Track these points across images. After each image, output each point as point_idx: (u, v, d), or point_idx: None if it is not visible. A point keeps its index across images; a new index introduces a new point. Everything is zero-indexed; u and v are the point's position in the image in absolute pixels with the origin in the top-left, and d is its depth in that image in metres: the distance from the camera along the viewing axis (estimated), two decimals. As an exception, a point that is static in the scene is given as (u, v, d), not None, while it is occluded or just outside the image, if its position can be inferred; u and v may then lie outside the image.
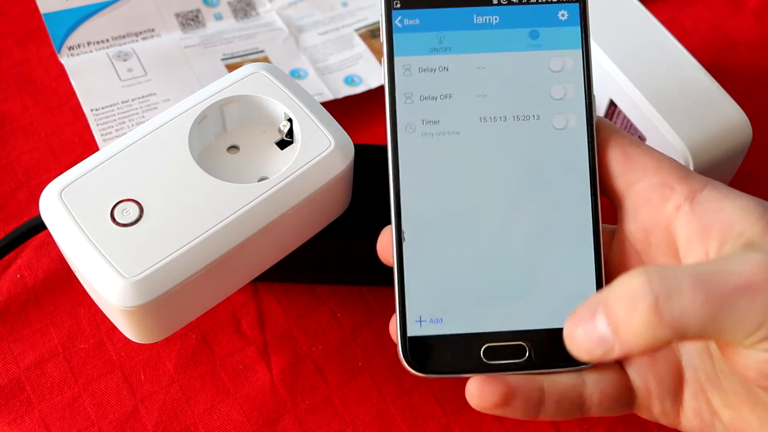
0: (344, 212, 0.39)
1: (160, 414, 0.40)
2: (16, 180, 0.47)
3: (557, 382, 0.29)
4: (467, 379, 0.28)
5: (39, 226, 0.40)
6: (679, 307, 0.24)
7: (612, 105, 0.43)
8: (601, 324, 0.25)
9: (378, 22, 0.54)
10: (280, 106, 0.36)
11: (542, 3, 0.30)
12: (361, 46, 0.53)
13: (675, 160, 0.31)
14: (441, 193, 0.30)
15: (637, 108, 0.41)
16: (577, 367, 0.29)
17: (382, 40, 0.30)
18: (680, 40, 0.44)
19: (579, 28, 0.30)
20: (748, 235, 0.27)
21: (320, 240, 0.38)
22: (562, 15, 0.30)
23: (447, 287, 0.29)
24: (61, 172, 0.35)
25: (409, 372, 0.29)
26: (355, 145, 0.36)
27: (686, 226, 0.29)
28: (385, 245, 0.31)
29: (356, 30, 0.54)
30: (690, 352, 0.30)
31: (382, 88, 0.51)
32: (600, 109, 0.44)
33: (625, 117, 0.43)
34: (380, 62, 0.52)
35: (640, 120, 0.41)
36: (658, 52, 0.43)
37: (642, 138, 0.42)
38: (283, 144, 0.37)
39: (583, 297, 0.27)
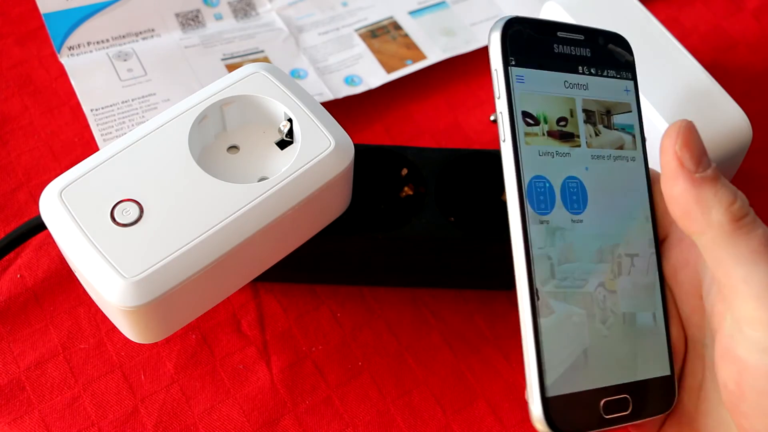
0: (344, 212, 0.39)
1: (160, 414, 0.40)
2: (16, 180, 0.47)
3: None
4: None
5: (39, 226, 0.40)
6: None
7: (612, 105, 0.43)
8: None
9: (378, 23, 0.54)
10: (280, 106, 0.36)
11: (613, 78, 0.34)
12: (361, 46, 0.53)
13: None
14: (563, 250, 0.31)
15: (637, 108, 0.41)
16: (661, 414, 0.31)
17: (498, 95, 0.31)
18: (680, 40, 0.44)
19: (636, 103, 0.34)
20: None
21: (320, 240, 0.38)
22: (627, 89, 0.34)
23: (570, 348, 0.31)
24: (61, 172, 0.35)
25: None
26: (355, 145, 0.36)
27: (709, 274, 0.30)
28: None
29: (356, 30, 0.54)
30: None
31: (382, 87, 0.51)
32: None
33: (625, 117, 0.43)
34: (380, 62, 0.52)
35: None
36: (658, 52, 0.43)
37: (642, 139, 0.42)
38: (283, 144, 0.37)
39: (659, 346, 0.31)
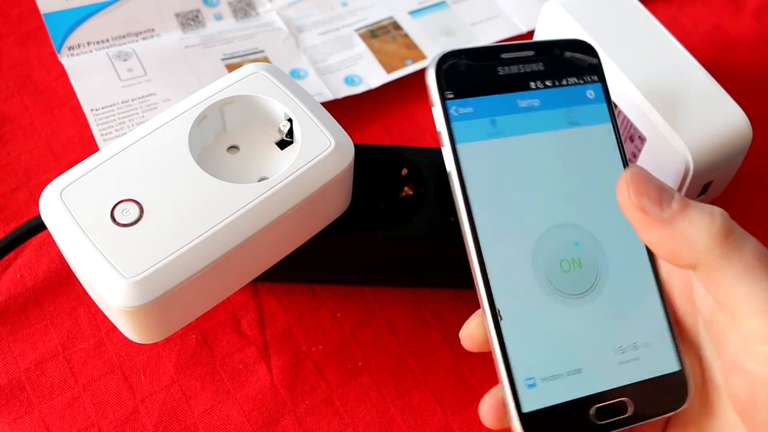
0: (344, 212, 0.39)
1: (160, 414, 0.40)
2: (16, 180, 0.47)
3: None
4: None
5: (39, 226, 0.40)
6: None
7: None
8: None
9: (378, 23, 0.54)
10: (280, 106, 0.36)
11: (572, 85, 0.33)
12: (361, 46, 0.53)
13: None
14: (523, 268, 0.31)
15: (637, 108, 0.41)
16: (673, 411, 0.31)
17: (440, 130, 0.32)
18: (680, 40, 0.44)
19: (605, 104, 0.33)
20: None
21: (320, 240, 0.38)
22: (590, 94, 0.33)
23: (546, 357, 0.30)
24: (61, 172, 0.35)
25: None
26: (355, 145, 0.36)
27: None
28: (473, 332, 0.31)
29: (356, 30, 0.54)
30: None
31: (382, 87, 0.51)
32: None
33: (625, 117, 0.43)
34: (380, 62, 0.52)
35: (641, 120, 0.41)
36: (658, 52, 0.43)
37: (642, 138, 0.42)
38: (283, 144, 0.37)
39: (660, 342, 0.31)
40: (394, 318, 0.43)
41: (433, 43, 0.53)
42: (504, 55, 0.32)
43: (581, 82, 0.33)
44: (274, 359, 0.41)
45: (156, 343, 0.41)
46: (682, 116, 0.40)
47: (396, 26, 0.54)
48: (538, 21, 0.47)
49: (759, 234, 0.47)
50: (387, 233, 0.39)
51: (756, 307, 0.26)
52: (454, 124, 0.31)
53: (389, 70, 0.51)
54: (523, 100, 0.32)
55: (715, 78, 0.42)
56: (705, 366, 0.31)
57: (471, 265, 0.31)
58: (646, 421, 0.30)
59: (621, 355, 0.31)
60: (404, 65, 0.52)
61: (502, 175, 0.31)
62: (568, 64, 0.33)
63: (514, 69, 0.32)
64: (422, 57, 0.52)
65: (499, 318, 0.30)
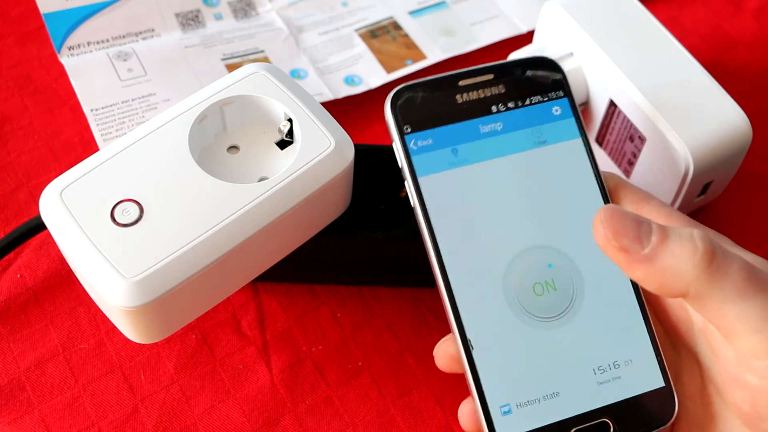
0: (344, 212, 0.39)
1: (160, 414, 0.40)
2: (16, 180, 0.47)
3: None
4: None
5: (39, 226, 0.40)
6: None
7: (612, 105, 0.43)
8: None
9: (378, 23, 0.54)
10: (280, 106, 0.36)
11: (536, 104, 0.33)
12: (361, 46, 0.53)
13: (683, 215, 0.31)
14: (494, 295, 0.31)
15: (637, 108, 0.41)
16: (660, 427, 0.30)
17: (401, 164, 0.32)
18: (680, 40, 0.44)
19: (573, 119, 0.33)
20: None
21: (320, 240, 0.38)
22: (556, 110, 0.33)
23: (521, 383, 0.30)
24: (61, 172, 0.35)
25: None
26: (355, 145, 0.36)
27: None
28: (446, 358, 0.32)
29: (356, 30, 0.54)
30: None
31: (382, 87, 0.51)
32: (600, 109, 0.44)
33: (625, 117, 0.43)
34: (380, 62, 0.52)
35: (640, 120, 0.41)
36: (658, 52, 0.43)
37: (642, 139, 0.42)
38: (283, 144, 0.37)
39: (643, 359, 0.30)
40: (394, 318, 0.43)
41: (433, 43, 0.53)
42: (462, 83, 0.32)
43: (546, 99, 0.33)
44: (274, 359, 0.41)
45: (156, 343, 0.41)
46: (682, 116, 0.40)
47: (396, 26, 0.54)
48: (538, 21, 0.47)
49: (759, 234, 0.48)
50: (387, 233, 0.39)
51: (749, 325, 0.26)
52: (414, 158, 0.31)
53: (389, 70, 0.51)
54: (485, 125, 0.32)
55: (715, 78, 0.42)
56: (703, 368, 0.31)
57: (441, 297, 0.31)
58: None
59: (600, 375, 0.30)
60: (404, 65, 0.52)
61: (467, 204, 0.31)
62: (531, 83, 0.33)
63: (473, 95, 0.32)
64: (422, 57, 0.52)
65: (470, 348, 0.30)
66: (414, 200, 0.31)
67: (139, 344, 0.41)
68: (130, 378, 0.40)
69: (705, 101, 0.41)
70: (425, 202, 0.31)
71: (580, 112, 0.33)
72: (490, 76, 0.33)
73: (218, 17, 0.53)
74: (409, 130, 0.32)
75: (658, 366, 0.31)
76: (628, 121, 0.42)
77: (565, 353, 0.31)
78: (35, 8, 0.52)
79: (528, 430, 0.29)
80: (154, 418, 0.39)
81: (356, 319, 0.43)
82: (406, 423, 0.40)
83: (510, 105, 0.32)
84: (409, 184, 0.31)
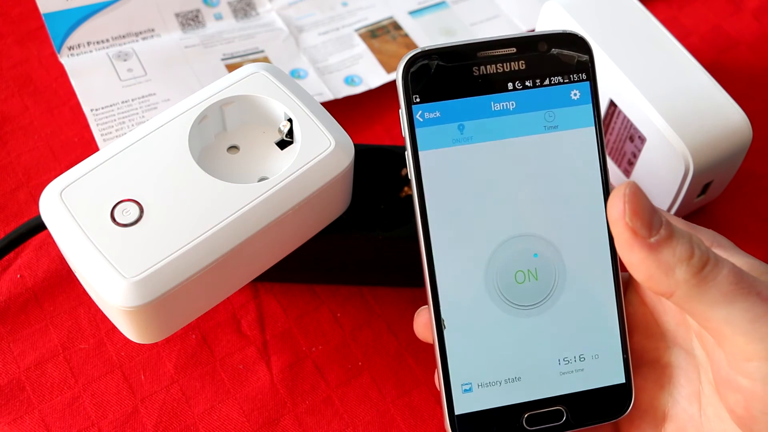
0: (344, 212, 0.39)
1: (160, 414, 0.40)
2: (16, 180, 0.47)
3: None
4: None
5: (39, 226, 0.40)
6: None
7: (612, 105, 0.43)
8: None
9: (378, 23, 0.54)
10: (280, 106, 0.36)
11: (555, 85, 0.31)
12: (361, 46, 0.53)
13: (682, 220, 0.31)
14: (474, 277, 0.31)
15: (637, 108, 0.41)
16: (612, 420, 0.31)
17: (404, 135, 0.31)
18: (680, 40, 0.44)
19: (591, 106, 0.31)
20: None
21: (320, 240, 0.38)
22: (575, 95, 0.31)
23: (486, 364, 0.31)
24: (61, 172, 0.35)
25: None
26: (355, 145, 0.36)
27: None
28: (422, 327, 0.32)
29: (356, 30, 0.54)
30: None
31: (381, 87, 0.51)
32: (600, 109, 0.44)
33: (625, 117, 0.43)
34: (380, 62, 0.52)
35: (640, 120, 0.41)
36: (658, 52, 0.43)
37: (642, 139, 0.42)
38: (283, 144, 0.37)
39: (609, 355, 0.31)
40: (394, 318, 0.43)
41: (433, 43, 0.53)
42: (481, 53, 0.30)
43: (566, 81, 0.31)
44: (274, 359, 0.41)
45: (156, 343, 0.41)
46: (682, 116, 0.40)
47: (396, 26, 0.54)
48: (538, 21, 0.47)
49: (759, 234, 0.48)
50: (387, 233, 0.39)
51: (737, 328, 0.27)
52: (419, 131, 0.30)
53: (389, 70, 0.51)
54: (497, 102, 0.31)
55: (715, 78, 0.42)
56: (700, 371, 0.31)
57: (423, 274, 0.31)
58: (582, 428, 0.31)
59: (564, 366, 0.31)
60: (404, 65, 0.52)
61: (464, 184, 0.31)
62: (554, 62, 0.31)
63: (491, 68, 0.30)
64: (422, 57, 0.52)
65: (442, 326, 0.30)
66: (411, 173, 0.30)
67: (139, 344, 0.41)
68: (130, 378, 0.40)
69: (705, 101, 0.41)
70: (422, 177, 0.30)
71: (599, 99, 0.31)
72: (513, 50, 0.30)
73: (218, 17, 0.53)
74: (417, 100, 0.30)
75: (622, 363, 0.31)
76: (628, 121, 0.43)
77: (535, 342, 0.31)
78: (35, 8, 0.52)
79: (484, 408, 0.30)
80: (154, 418, 0.39)
81: (356, 319, 0.43)
82: (406, 423, 0.40)
83: (528, 83, 0.31)
84: (408, 156, 0.30)
